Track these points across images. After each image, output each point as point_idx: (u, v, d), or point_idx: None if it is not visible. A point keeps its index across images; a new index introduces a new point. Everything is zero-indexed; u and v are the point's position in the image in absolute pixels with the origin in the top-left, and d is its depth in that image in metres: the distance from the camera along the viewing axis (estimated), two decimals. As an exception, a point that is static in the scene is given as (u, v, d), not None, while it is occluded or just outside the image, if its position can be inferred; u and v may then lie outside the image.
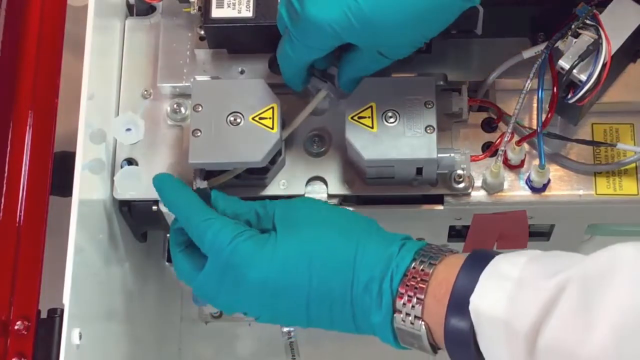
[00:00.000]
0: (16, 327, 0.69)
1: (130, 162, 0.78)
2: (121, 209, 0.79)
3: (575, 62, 0.70)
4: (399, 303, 0.64)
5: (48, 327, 0.69)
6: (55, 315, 0.69)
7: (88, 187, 0.72)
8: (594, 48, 0.70)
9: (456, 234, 0.85)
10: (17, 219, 0.72)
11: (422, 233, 0.84)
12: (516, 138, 0.76)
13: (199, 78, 0.78)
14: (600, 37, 0.70)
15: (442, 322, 0.62)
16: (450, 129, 0.78)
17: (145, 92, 0.80)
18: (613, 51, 0.71)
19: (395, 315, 0.65)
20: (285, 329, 1.02)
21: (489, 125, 0.79)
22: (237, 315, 1.02)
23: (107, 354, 0.80)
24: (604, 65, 0.70)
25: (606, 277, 0.56)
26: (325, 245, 0.67)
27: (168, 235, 0.87)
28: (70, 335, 0.67)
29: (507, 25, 0.78)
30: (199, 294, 0.72)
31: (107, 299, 0.81)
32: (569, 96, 0.71)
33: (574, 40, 0.71)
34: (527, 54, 0.76)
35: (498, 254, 0.63)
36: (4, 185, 0.73)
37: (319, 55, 0.72)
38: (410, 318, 0.64)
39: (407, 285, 0.64)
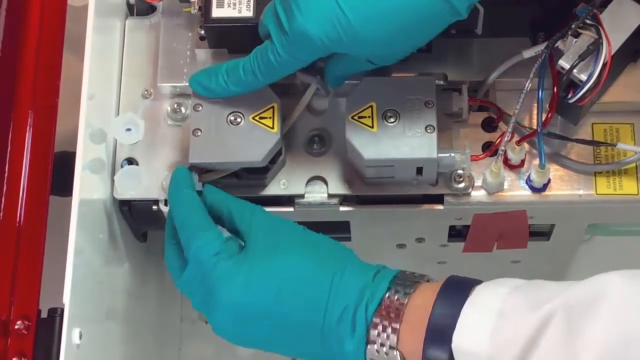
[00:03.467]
0: (16, 327, 0.69)
1: (130, 162, 0.78)
2: (121, 209, 0.79)
3: (576, 62, 0.70)
4: (373, 333, 0.64)
5: (48, 327, 0.69)
6: (56, 315, 0.69)
7: (88, 187, 0.72)
8: (594, 48, 0.70)
9: (456, 234, 0.85)
10: (17, 219, 0.72)
11: (422, 233, 0.84)
12: (516, 138, 0.76)
13: (199, 78, 0.78)
14: (600, 37, 0.70)
15: (418, 353, 0.62)
16: (450, 129, 0.78)
17: (145, 92, 0.80)
18: (613, 51, 0.71)
19: (368, 346, 0.64)
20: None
21: (489, 125, 0.79)
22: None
23: (107, 354, 0.80)
24: (604, 65, 0.70)
25: (592, 307, 0.56)
26: (300, 274, 0.67)
27: (168, 235, 0.88)
28: (70, 335, 0.67)
29: (507, 25, 0.78)
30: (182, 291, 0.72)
31: (107, 299, 0.81)
32: (569, 96, 0.71)
33: (574, 40, 0.71)
34: (527, 54, 0.76)
35: (473, 281, 0.63)
36: (4, 185, 0.73)
37: (304, 65, 0.71)
38: (384, 348, 0.63)
39: (381, 315, 0.64)
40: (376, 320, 0.64)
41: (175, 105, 0.79)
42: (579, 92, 0.71)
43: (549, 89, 0.73)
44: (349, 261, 0.68)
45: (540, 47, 0.74)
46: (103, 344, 0.79)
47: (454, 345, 0.60)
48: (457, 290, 0.62)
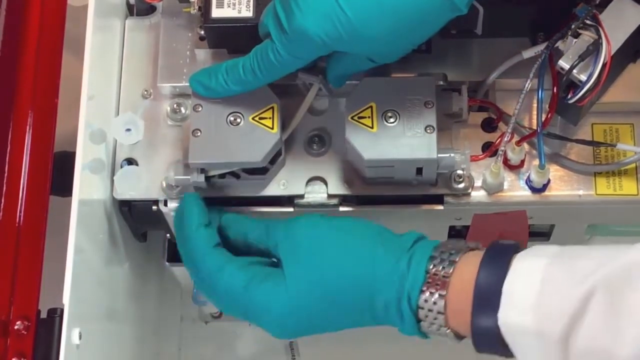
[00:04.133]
0: (16, 327, 0.69)
1: (130, 162, 0.78)
2: (121, 209, 0.79)
3: (575, 62, 0.70)
4: (422, 314, 0.65)
5: (48, 327, 0.69)
6: (55, 315, 0.69)
7: (88, 187, 0.72)
8: (594, 48, 0.70)
9: (456, 234, 0.85)
10: (17, 219, 0.72)
11: (421, 232, 0.84)
12: (516, 138, 0.76)
13: (199, 78, 0.78)
14: (600, 37, 0.70)
15: (469, 329, 0.63)
16: (450, 129, 0.78)
17: (145, 92, 0.80)
18: (613, 51, 0.71)
19: (421, 323, 0.66)
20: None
21: (489, 125, 0.79)
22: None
23: (107, 354, 0.80)
24: (604, 65, 0.70)
25: (631, 279, 0.56)
26: (336, 274, 0.67)
27: (168, 235, 0.87)
28: (70, 335, 0.67)
29: (507, 25, 0.78)
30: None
31: (107, 299, 0.81)
32: (569, 96, 0.71)
33: (574, 40, 0.71)
34: (527, 54, 0.76)
35: (513, 247, 0.63)
36: (4, 185, 0.73)
37: (304, 64, 0.71)
38: (434, 326, 0.65)
39: (425, 301, 0.65)
40: (421, 305, 0.65)
41: (175, 106, 0.79)
42: (578, 93, 0.71)
43: (549, 89, 0.73)
44: (380, 246, 0.68)
45: (540, 47, 0.74)
46: (103, 344, 0.79)
47: (500, 323, 0.60)
48: (498, 263, 0.62)
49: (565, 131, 0.77)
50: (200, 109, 0.75)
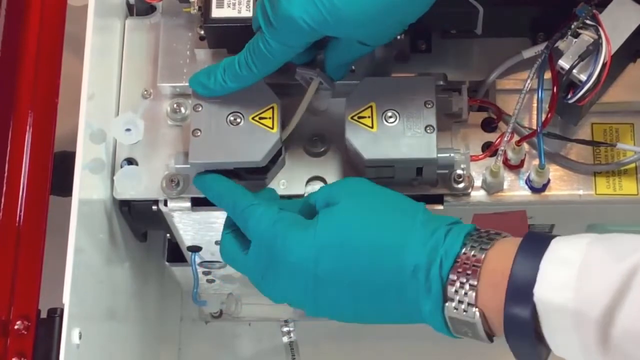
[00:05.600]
0: (16, 327, 0.69)
1: (130, 162, 0.78)
2: (121, 209, 0.79)
3: (575, 62, 0.70)
4: (451, 290, 0.61)
5: (48, 327, 0.69)
6: (55, 315, 0.69)
7: (88, 187, 0.72)
8: (594, 48, 0.70)
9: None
10: (17, 219, 0.72)
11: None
12: (516, 138, 0.76)
13: (199, 78, 0.78)
14: (600, 37, 0.70)
15: (499, 310, 0.59)
16: (450, 129, 0.78)
17: (145, 92, 0.80)
18: (613, 51, 0.71)
19: (446, 304, 0.62)
20: (285, 329, 1.03)
21: (489, 125, 0.79)
22: (238, 316, 1.02)
23: (107, 354, 0.80)
24: (604, 65, 0.70)
25: None
26: (368, 230, 0.65)
27: (168, 235, 0.88)
28: (70, 335, 0.67)
29: (507, 25, 0.78)
30: (243, 273, 0.71)
31: (107, 298, 0.81)
32: (569, 96, 0.71)
33: (574, 40, 0.71)
34: (527, 54, 0.76)
35: (553, 236, 0.61)
36: (4, 185, 0.73)
37: (296, 53, 0.70)
38: (463, 306, 0.61)
39: (458, 272, 0.61)
40: (453, 277, 0.61)
41: (175, 105, 0.79)
42: (578, 92, 0.71)
43: (549, 89, 0.73)
44: (420, 216, 0.66)
45: (540, 47, 0.74)
46: (103, 344, 0.79)
47: (536, 299, 0.58)
48: (538, 246, 0.60)
49: (565, 131, 0.77)
50: (200, 109, 0.75)
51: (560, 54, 0.72)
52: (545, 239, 0.60)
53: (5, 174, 0.73)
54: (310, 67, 0.74)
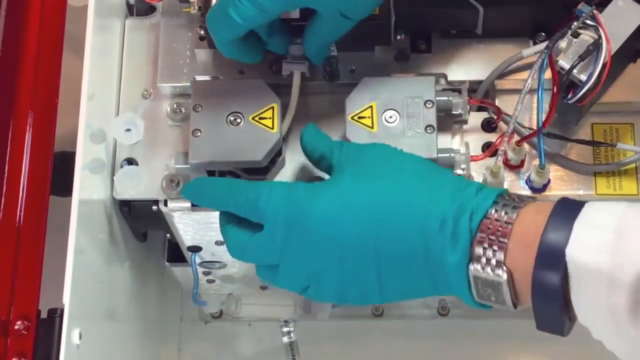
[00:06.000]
0: (16, 327, 0.69)
1: (130, 162, 0.78)
2: (121, 209, 0.79)
3: (575, 62, 0.70)
4: (478, 249, 0.59)
5: (48, 327, 0.69)
6: (55, 315, 0.69)
7: (88, 187, 0.72)
8: (594, 48, 0.70)
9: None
10: (17, 219, 0.72)
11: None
12: (516, 138, 0.76)
13: (199, 78, 0.78)
14: (600, 37, 0.70)
15: (528, 271, 0.57)
16: (450, 129, 0.78)
17: (145, 92, 0.80)
18: (613, 51, 0.71)
19: (472, 262, 0.59)
20: (285, 329, 1.03)
21: (489, 125, 0.79)
22: (239, 315, 1.02)
23: (107, 354, 0.80)
24: (604, 65, 0.70)
25: None
26: (392, 183, 0.63)
27: (168, 235, 0.88)
28: (70, 335, 0.67)
29: (507, 25, 0.78)
30: (256, 259, 0.68)
31: (107, 299, 0.81)
32: (569, 96, 0.71)
33: (574, 40, 0.71)
34: (527, 53, 0.76)
35: (586, 201, 0.59)
36: (4, 185, 0.73)
37: (265, 21, 0.68)
38: (490, 264, 0.59)
39: (488, 228, 0.59)
40: (481, 234, 0.59)
41: (175, 105, 0.79)
42: (579, 92, 0.71)
43: (549, 89, 0.73)
44: (449, 175, 0.65)
45: (540, 47, 0.74)
46: (103, 344, 0.79)
47: (568, 259, 0.56)
48: (572, 209, 0.58)
49: (565, 131, 0.77)
50: (200, 109, 0.75)
51: (560, 54, 0.72)
52: (579, 203, 0.58)
53: (5, 174, 0.73)
54: (298, 60, 0.74)
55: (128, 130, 0.75)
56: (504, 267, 0.59)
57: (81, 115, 0.72)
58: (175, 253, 0.90)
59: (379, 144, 0.69)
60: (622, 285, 0.54)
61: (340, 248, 0.63)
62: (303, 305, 1.00)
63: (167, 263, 0.91)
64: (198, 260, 0.88)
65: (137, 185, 0.76)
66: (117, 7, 0.82)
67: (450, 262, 0.60)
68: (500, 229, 0.59)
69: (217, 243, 0.84)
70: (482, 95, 0.78)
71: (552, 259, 0.57)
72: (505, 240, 0.59)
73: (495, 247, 0.59)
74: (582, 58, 0.70)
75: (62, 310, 0.68)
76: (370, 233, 0.62)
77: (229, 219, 0.70)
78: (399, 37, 0.78)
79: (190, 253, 0.87)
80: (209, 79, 0.79)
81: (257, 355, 1.08)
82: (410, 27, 0.78)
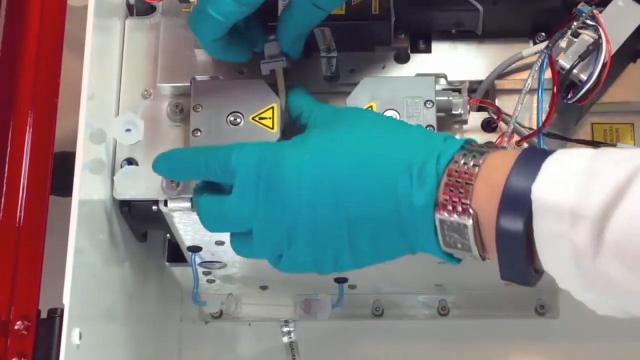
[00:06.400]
0: (16, 327, 0.69)
1: (130, 162, 0.78)
2: (121, 209, 0.79)
3: (575, 62, 0.70)
4: (445, 191, 0.59)
5: (48, 327, 0.69)
6: (55, 315, 0.69)
7: (88, 187, 0.72)
8: (594, 48, 0.70)
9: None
10: (17, 219, 0.72)
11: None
12: (516, 138, 0.76)
13: (199, 78, 0.78)
14: (600, 37, 0.70)
15: (493, 211, 0.57)
16: (450, 129, 0.78)
17: (145, 92, 0.80)
18: (613, 51, 0.71)
19: (438, 206, 0.59)
20: (285, 329, 1.03)
21: (489, 125, 0.78)
22: (239, 315, 1.03)
23: (107, 354, 0.80)
24: (604, 65, 0.70)
25: None
26: (362, 133, 0.64)
27: (168, 235, 0.87)
28: (70, 335, 0.67)
29: (507, 25, 0.78)
30: (229, 224, 0.68)
31: (107, 299, 0.81)
32: (569, 96, 0.71)
33: (574, 40, 0.71)
34: (527, 53, 0.76)
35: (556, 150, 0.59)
36: (4, 185, 0.73)
37: (245, 14, 0.68)
38: (456, 208, 0.59)
39: (455, 172, 0.59)
40: (448, 177, 0.59)
41: (175, 105, 0.79)
42: (579, 92, 0.71)
43: (549, 89, 0.73)
44: (419, 127, 0.65)
45: (540, 47, 0.74)
46: (103, 344, 0.79)
47: (534, 197, 0.55)
48: (541, 154, 0.57)
49: (565, 131, 0.77)
50: (200, 109, 0.75)
51: (560, 53, 0.72)
52: (549, 150, 0.58)
53: (5, 174, 0.73)
54: (275, 58, 0.75)
55: (128, 130, 0.75)
56: (470, 210, 0.58)
57: (81, 115, 0.72)
58: (175, 253, 0.90)
59: (355, 107, 0.70)
60: (585, 219, 0.53)
61: (311, 198, 0.63)
62: (303, 305, 1.00)
63: (167, 263, 0.91)
64: (198, 260, 0.88)
65: (137, 185, 0.76)
66: (117, 7, 0.82)
67: (417, 205, 0.60)
68: (467, 171, 0.59)
69: (217, 243, 0.84)
70: (482, 95, 0.78)
71: (517, 197, 0.56)
72: (472, 182, 0.59)
73: (461, 190, 0.59)
74: (582, 58, 0.70)
75: (62, 310, 0.67)
76: (341, 183, 0.63)
77: (200, 191, 0.70)
78: (399, 37, 0.78)
79: (190, 253, 0.87)
80: (209, 79, 0.79)
81: (257, 355, 1.08)
82: (410, 27, 0.78)
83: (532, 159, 0.58)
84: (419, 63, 0.78)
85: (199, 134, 0.74)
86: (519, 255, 0.57)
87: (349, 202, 0.62)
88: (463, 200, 0.59)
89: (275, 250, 0.66)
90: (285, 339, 1.03)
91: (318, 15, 0.70)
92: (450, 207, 0.59)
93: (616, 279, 0.54)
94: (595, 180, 0.54)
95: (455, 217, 0.59)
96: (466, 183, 0.59)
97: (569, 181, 0.55)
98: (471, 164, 0.59)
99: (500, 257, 0.59)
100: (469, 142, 0.62)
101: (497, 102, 0.78)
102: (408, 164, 0.61)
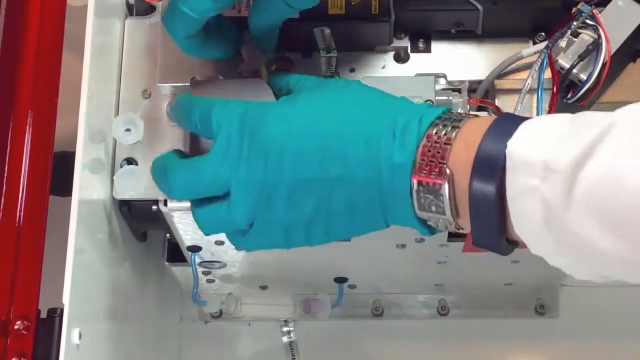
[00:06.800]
0: (16, 327, 0.69)
1: (130, 162, 0.78)
2: (121, 209, 0.79)
3: (575, 62, 0.70)
4: (424, 152, 0.60)
5: (48, 327, 0.69)
6: (55, 315, 0.69)
7: (88, 187, 0.72)
8: (594, 48, 0.70)
9: (456, 234, 0.84)
10: (17, 219, 0.72)
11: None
12: (516, 138, 0.76)
13: (198, 78, 0.78)
14: (600, 37, 0.70)
15: (469, 172, 0.58)
16: (450, 129, 0.78)
17: (145, 92, 0.80)
18: (613, 51, 0.71)
19: (417, 166, 0.60)
20: (285, 329, 1.03)
21: (489, 125, 0.78)
22: (238, 315, 1.03)
23: (107, 354, 0.80)
24: (604, 65, 0.70)
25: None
26: (348, 95, 0.65)
27: (168, 235, 0.87)
28: (70, 335, 0.67)
29: (507, 25, 0.78)
30: (204, 184, 0.66)
31: (107, 299, 0.81)
32: (569, 96, 0.71)
33: (574, 40, 0.71)
34: (527, 53, 0.76)
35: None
36: (4, 185, 0.73)
37: (219, 10, 0.68)
38: (433, 169, 0.59)
39: (435, 133, 0.60)
40: (428, 138, 0.60)
41: (175, 105, 0.79)
42: (579, 92, 0.71)
43: (549, 89, 0.73)
44: (400, 97, 0.66)
45: (540, 47, 0.74)
46: (103, 344, 0.79)
47: (508, 153, 0.56)
48: (519, 117, 0.58)
49: (565, 131, 0.77)
50: (200, 109, 0.74)
51: (560, 53, 0.72)
52: (528, 116, 0.59)
53: (5, 174, 0.73)
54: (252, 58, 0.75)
55: (128, 130, 0.75)
56: (447, 170, 0.59)
57: (81, 115, 0.72)
58: (175, 253, 0.90)
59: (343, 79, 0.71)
60: (556, 173, 0.54)
61: (296, 156, 0.63)
62: (303, 305, 1.00)
63: (167, 263, 0.91)
64: (198, 260, 0.88)
65: (137, 185, 0.76)
66: (117, 7, 0.82)
67: (396, 163, 0.61)
68: (447, 133, 0.60)
69: (217, 243, 0.84)
70: (482, 95, 0.78)
71: (491, 157, 0.57)
72: (450, 143, 0.59)
73: (439, 151, 0.60)
74: (582, 58, 0.70)
75: (62, 310, 0.67)
76: (326, 142, 0.63)
77: (175, 156, 0.70)
78: (399, 37, 0.78)
79: (190, 253, 0.87)
80: (209, 79, 0.79)
81: (257, 355, 1.08)
82: (410, 27, 0.78)
83: (510, 120, 0.58)
84: (419, 63, 0.78)
85: (199, 134, 0.74)
86: (491, 217, 0.58)
87: (334, 162, 0.63)
88: (440, 161, 0.59)
89: (251, 213, 0.65)
90: (285, 339, 1.03)
91: (289, 12, 0.70)
92: (427, 168, 0.60)
93: (586, 236, 0.54)
94: (570, 137, 0.54)
95: (432, 178, 0.60)
96: (445, 144, 0.60)
97: (544, 139, 0.55)
98: (451, 127, 0.60)
99: (473, 221, 0.59)
100: (450, 110, 0.63)
101: (497, 102, 0.78)
102: (392, 126, 0.62)
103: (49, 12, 0.78)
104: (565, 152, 0.54)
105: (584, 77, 0.70)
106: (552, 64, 0.72)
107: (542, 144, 0.55)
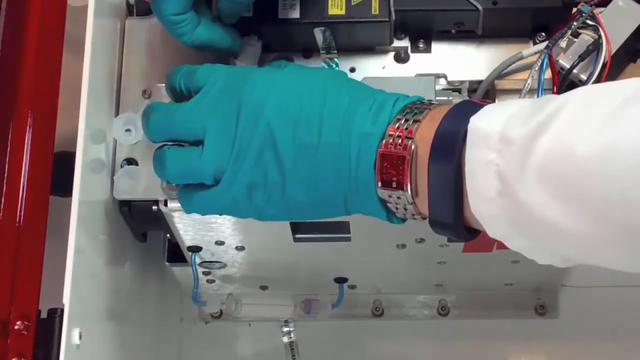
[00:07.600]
0: (16, 327, 0.69)
1: (130, 162, 0.78)
2: (121, 209, 0.79)
3: (575, 62, 0.70)
4: (393, 127, 0.62)
5: (48, 327, 0.69)
6: (55, 315, 0.69)
7: (88, 187, 0.72)
8: (594, 48, 0.70)
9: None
10: (17, 219, 0.72)
11: (422, 233, 0.84)
12: (516, 138, 0.76)
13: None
14: (600, 37, 0.70)
15: (431, 137, 0.60)
16: (450, 129, 0.78)
17: (145, 92, 0.80)
18: (613, 51, 0.71)
19: (384, 140, 0.62)
20: (285, 329, 1.03)
21: (489, 125, 0.78)
22: (236, 314, 1.03)
23: (107, 354, 0.80)
24: (604, 65, 0.70)
25: (610, 93, 0.54)
26: (329, 75, 0.67)
27: (168, 235, 0.88)
28: (70, 335, 0.67)
29: (507, 25, 0.78)
30: (179, 126, 0.67)
31: (107, 299, 0.81)
32: (569, 96, 0.71)
33: (574, 40, 0.71)
34: (527, 53, 0.76)
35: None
36: (4, 185, 0.73)
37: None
38: (399, 142, 0.61)
39: (408, 111, 0.63)
40: (399, 115, 0.63)
41: (175, 105, 0.79)
42: (578, 92, 0.71)
43: (549, 89, 0.73)
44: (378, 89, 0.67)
45: (540, 47, 0.74)
46: (103, 344, 0.79)
47: (470, 127, 0.58)
48: (487, 101, 0.61)
49: (565, 131, 0.77)
50: (200, 109, 0.74)
51: (560, 53, 0.72)
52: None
53: (5, 174, 0.73)
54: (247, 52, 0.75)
55: (128, 130, 0.75)
56: (412, 146, 0.61)
57: (81, 115, 0.72)
58: (175, 253, 0.90)
59: None
60: (512, 143, 0.55)
61: (273, 116, 0.65)
62: (303, 305, 1.00)
63: (167, 263, 0.91)
64: (198, 260, 0.88)
65: (137, 185, 0.76)
66: (117, 7, 0.82)
67: (364, 132, 0.63)
68: (416, 113, 0.62)
69: (217, 243, 0.84)
70: (482, 95, 0.78)
71: (452, 131, 0.59)
72: (419, 121, 0.62)
73: (407, 127, 0.62)
74: (582, 58, 0.70)
75: (62, 310, 0.68)
76: (305, 109, 0.64)
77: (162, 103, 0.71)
78: (399, 37, 0.78)
79: (190, 253, 0.87)
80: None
81: (257, 355, 1.08)
82: (410, 27, 0.78)
83: (475, 103, 0.61)
84: (419, 63, 0.78)
85: (199, 134, 0.74)
86: (447, 193, 0.59)
87: (308, 128, 0.64)
88: (407, 135, 0.61)
89: (221, 162, 0.66)
90: (285, 339, 1.03)
91: None
92: (392, 141, 0.62)
93: (537, 206, 0.55)
94: (529, 113, 0.56)
95: (395, 150, 0.61)
96: (414, 121, 0.62)
97: (504, 115, 0.57)
98: (423, 109, 0.62)
99: (430, 197, 0.60)
100: (430, 100, 0.66)
101: (497, 102, 0.78)
102: (371, 102, 0.64)
103: (49, 12, 0.78)
104: (521, 124, 0.56)
105: (584, 77, 0.70)
106: (552, 64, 0.72)
107: (502, 118, 0.57)
